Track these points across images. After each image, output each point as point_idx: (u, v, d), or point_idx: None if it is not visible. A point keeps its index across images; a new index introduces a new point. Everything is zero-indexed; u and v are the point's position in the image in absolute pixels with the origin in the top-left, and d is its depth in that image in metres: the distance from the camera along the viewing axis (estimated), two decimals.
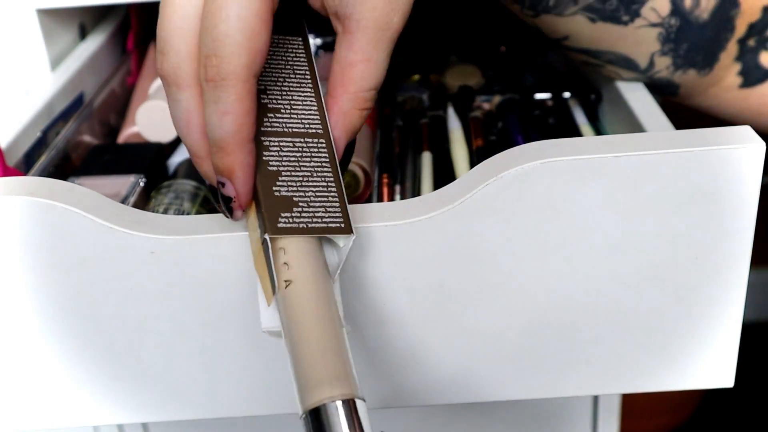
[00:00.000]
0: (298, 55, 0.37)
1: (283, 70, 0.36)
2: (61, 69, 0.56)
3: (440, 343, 0.38)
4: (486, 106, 0.56)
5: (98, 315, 0.37)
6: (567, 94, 0.55)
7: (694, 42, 0.46)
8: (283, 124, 0.35)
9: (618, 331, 0.38)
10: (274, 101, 0.36)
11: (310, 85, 0.37)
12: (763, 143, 0.34)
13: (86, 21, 0.62)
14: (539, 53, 0.61)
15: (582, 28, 0.44)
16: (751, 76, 0.49)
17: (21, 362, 0.38)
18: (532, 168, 0.34)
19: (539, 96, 0.55)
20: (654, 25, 0.44)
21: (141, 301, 0.36)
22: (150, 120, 0.54)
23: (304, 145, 0.35)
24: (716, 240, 0.36)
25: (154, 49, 0.63)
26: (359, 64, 0.35)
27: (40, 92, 0.53)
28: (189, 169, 0.50)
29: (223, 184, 0.34)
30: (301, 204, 0.33)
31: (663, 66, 0.46)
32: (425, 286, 0.36)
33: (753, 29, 0.49)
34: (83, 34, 0.62)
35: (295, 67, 0.37)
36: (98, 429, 0.56)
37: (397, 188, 0.47)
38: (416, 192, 0.47)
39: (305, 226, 0.33)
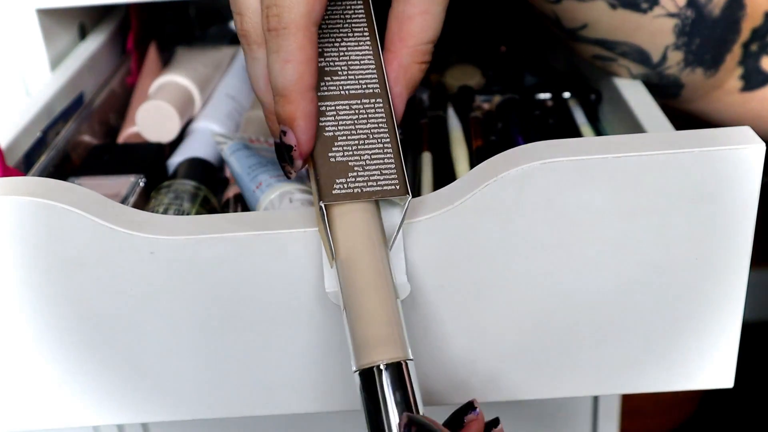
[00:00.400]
0: (356, 11, 0.37)
1: (341, 30, 0.36)
2: (61, 69, 0.56)
3: (440, 343, 0.38)
4: (486, 106, 0.56)
5: (98, 315, 0.37)
6: (567, 95, 0.55)
7: (706, 38, 0.46)
8: (340, 87, 0.35)
9: (618, 332, 0.38)
10: (332, 63, 0.36)
11: (368, 43, 0.36)
12: (763, 144, 0.34)
13: (86, 21, 0.62)
14: (539, 53, 0.61)
15: (602, 15, 0.44)
16: (752, 80, 0.50)
17: (20, 362, 0.38)
18: (532, 168, 0.34)
19: (539, 96, 0.55)
20: (671, 15, 0.44)
21: (140, 301, 0.36)
22: (150, 120, 0.54)
23: (361, 107, 0.35)
24: (716, 240, 0.36)
25: (154, 49, 0.63)
26: (417, 17, 0.35)
27: (40, 92, 0.53)
28: (189, 169, 0.50)
29: (284, 133, 0.34)
30: (356, 168, 0.34)
31: (674, 62, 0.47)
32: (425, 286, 0.36)
33: (756, 34, 0.49)
34: (83, 34, 0.62)
35: (353, 25, 0.37)
36: (98, 429, 0.56)
37: None
38: (417, 193, 0.47)
39: (360, 190, 0.33)
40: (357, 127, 0.35)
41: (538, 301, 0.37)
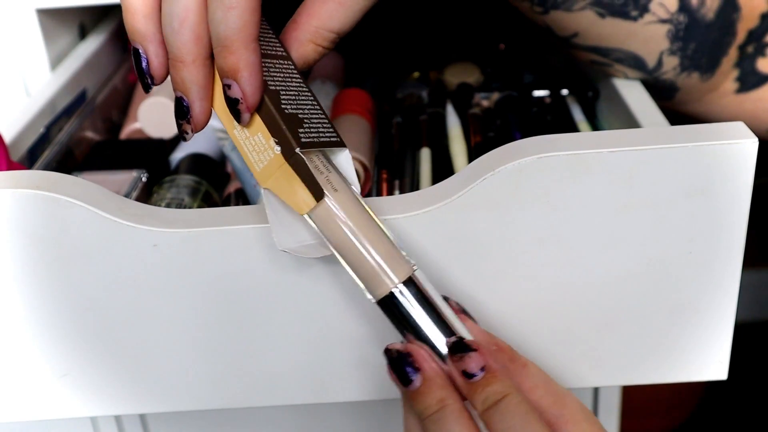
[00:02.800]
0: None
1: None
2: (62, 68, 0.57)
3: None
4: (485, 103, 0.56)
5: (99, 306, 0.37)
6: (565, 92, 0.55)
7: (701, 42, 0.46)
8: (262, 46, 0.34)
9: (613, 324, 0.39)
10: None
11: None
12: (756, 139, 0.35)
13: (86, 21, 0.62)
14: (538, 51, 0.62)
15: (591, 24, 0.44)
16: (748, 82, 0.50)
17: (20, 353, 0.39)
18: (528, 163, 0.35)
19: (537, 93, 0.55)
20: (663, 21, 0.44)
21: (143, 292, 0.37)
22: (152, 116, 0.55)
23: (283, 67, 0.35)
24: (710, 234, 0.37)
25: None
26: (331, 3, 0.35)
27: (42, 90, 0.53)
28: (190, 165, 0.50)
29: (229, 86, 0.33)
30: (305, 121, 0.34)
31: (670, 66, 0.46)
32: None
33: (752, 36, 0.49)
34: (83, 34, 0.62)
35: None
36: (96, 420, 0.57)
37: (396, 184, 0.48)
38: (415, 188, 0.47)
39: (317, 140, 0.33)
40: (288, 84, 0.35)
41: (534, 293, 0.37)
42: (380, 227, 0.34)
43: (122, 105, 0.60)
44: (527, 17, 0.46)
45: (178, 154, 0.53)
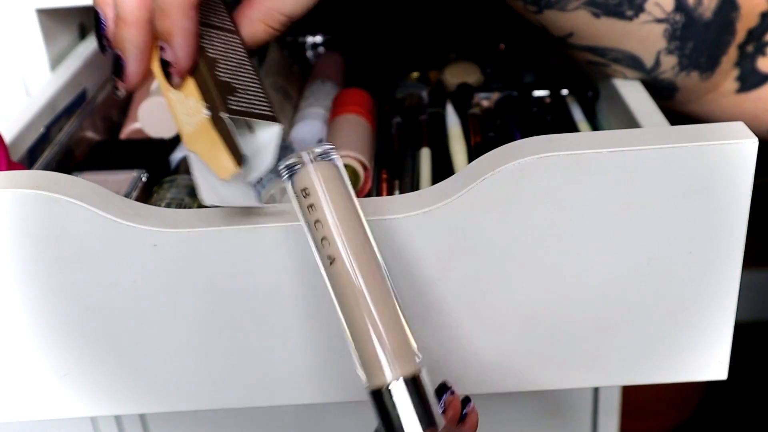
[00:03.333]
0: None
1: None
2: (62, 68, 0.57)
3: (439, 335, 0.38)
4: (485, 103, 0.56)
5: (99, 306, 0.37)
6: (565, 92, 0.55)
7: (699, 41, 0.46)
8: (208, 17, 0.36)
9: (613, 324, 0.39)
10: None
11: None
12: (756, 139, 0.35)
13: (86, 21, 0.62)
14: (538, 51, 0.62)
15: (586, 24, 0.44)
16: (748, 81, 0.49)
17: (20, 353, 0.39)
18: (528, 163, 0.35)
19: (537, 93, 0.55)
20: (659, 20, 0.44)
21: (142, 292, 0.37)
22: (152, 116, 0.55)
23: (228, 39, 0.36)
24: (710, 234, 0.37)
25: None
26: None
27: (42, 90, 0.53)
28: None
29: (163, 49, 0.34)
30: (239, 90, 0.34)
31: (669, 66, 0.46)
32: (424, 278, 0.37)
33: (752, 35, 0.49)
34: (83, 33, 0.62)
35: None
36: (96, 420, 0.57)
37: (396, 184, 0.48)
38: (415, 188, 0.47)
39: (247, 110, 0.34)
40: (229, 55, 0.35)
41: (534, 293, 0.38)
42: (397, 305, 0.31)
43: (122, 105, 0.60)
44: (523, 17, 0.46)
45: (178, 154, 0.53)
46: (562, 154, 0.35)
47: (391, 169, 0.49)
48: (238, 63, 0.35)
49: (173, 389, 0.40)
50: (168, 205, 0.46)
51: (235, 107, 0.33)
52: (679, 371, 0.40)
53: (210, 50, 0.35)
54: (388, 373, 0.30)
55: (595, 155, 0.35)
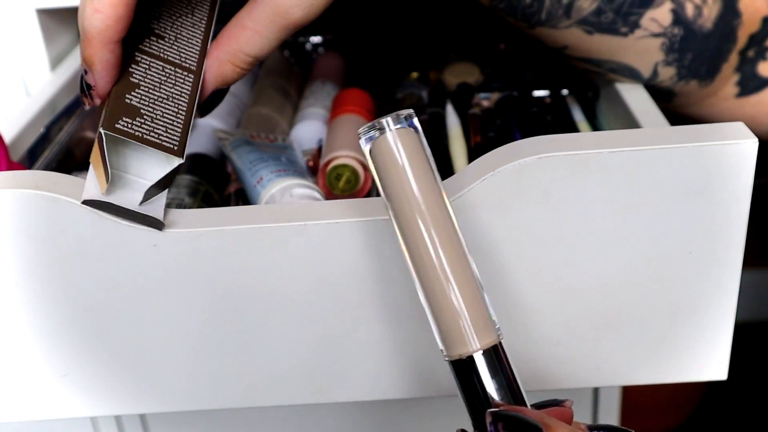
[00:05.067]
0: (203, 2, 0.41)
1: (183, 9, 0.40)
2: (62, 68, 0.57)
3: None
4: (485, 103, 0.56)
5: (100, 307, 0.37)
6: (565, 92, 0.55)
7: (699, 52, 0.45)
8: (161, 50, 0.39)
9: (613, 324, 0.39)
10: (162, 29, 0.39)
11: (203, 29, 0.41)
12: (756, 139, 0.35)
13: None
14: (538, 51, 0.62)
15: (579, 40, 0.44)
16: (748, 86, 0.49)
17: (20, 353, 0.39)
18: (528, 163, 0.35)
19: (537, 93, 0.55)
20: (656, 35, 0.44)
21: (142, 292, 0.37)
22: None
23: (173, 73, 0.38)
24: (710, 234, 0.37)
25: None
26: (249, 30, 0.38)
27: (41, 90, 0.54)
28: (190, 165, 0.50)
29: (85, 72, 0.36)
30: (146, 117, 0.36)
31: (666, 76, 0.46)
32: None
33: (753, 40, 0.48)
34: None
35: (195, 9, 0.41)
36: (96, 420, 0.57)
37: None
38: None
39: (141, 135, 0.36)
40: (162, 87, 0.38)
41: (534, 293, 0.38)
42: (475, 276, 0.31)
43: None
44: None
45: None
46: (562, 154, 0.35)
47: None
48: (168, 96, 0.38)
49: (173, 389, 0.40)
50: (168, 205, 0.46)
51: (125, 129, 0.35)
52: (679, 371, 0.40)
53: (137, 76, 0.37)
54: (470, 343, 0.30)
55: (595, 155, 0.35)
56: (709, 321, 0.39)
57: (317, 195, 0.44)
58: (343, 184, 0.46)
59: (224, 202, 0.49)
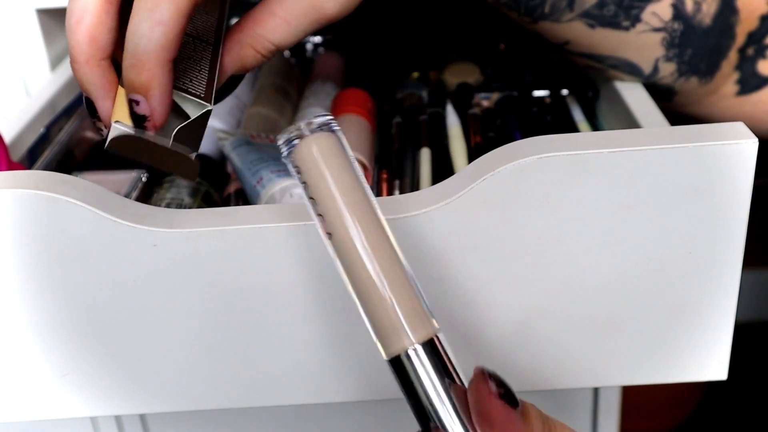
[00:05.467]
0: None
1: None
2: (62, 68, 0.57)
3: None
4: (485, 103, 0.56)
5: (100, 307, 0.37)
6: (565, 92, 0.55)
7: (699, 48, 0.45)
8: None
9: (612, 324, 0.39)
10: None
11: (218, 12, 0.39)
12: (756, 139, 0.35)
13: None
14: (538, 51, 0.62)
15: (581, 34, 0.44)
16: (748, 84, 0.49)
17: (20, 353, 0.39)
18: (528, 163, 0.35)
19: (537, 93, 0.56)
20: (657, 29, 0.44)
21: (142, 292, 0.37)
22: None
23: (191, 42, 0.37)
24: (710, 234, 0.37)
25: None
26: (279, 18, 0.36)
27: (41, 90, 0.54)
28: None
29: (137, 102, 0.33)
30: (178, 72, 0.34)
31: (667, 72, 0.46)
32: (424, 279, 0.37)
33: (752, 38, 0.49)
34: None
35: None
36: (96, 420, 0.57)
37: (396, 184, 0.48)
38: (415, 188, 0.47)
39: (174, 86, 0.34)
40: (184, 50, 0.36)
41: (534, 293, 0.38)
42: (406, 270, 0.30)
43: None
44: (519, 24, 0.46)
45: None
46: (562, 154, 0.35)
47: (391, 169, 0.49)
48: (191, 58, 0.36)
49: (173, 389, 0.40)
50: (168, 205, 0.46)
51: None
52: (679, 371, 0.40)
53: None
54: (405, 339, 0.29)
55: (595, 155, 0.35)
56: (709, 321, 0.39)
57: None
58: None
59: (224, 202, 0.49)
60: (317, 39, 0.65)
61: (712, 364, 0.40)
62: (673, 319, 0.39)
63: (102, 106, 0.34)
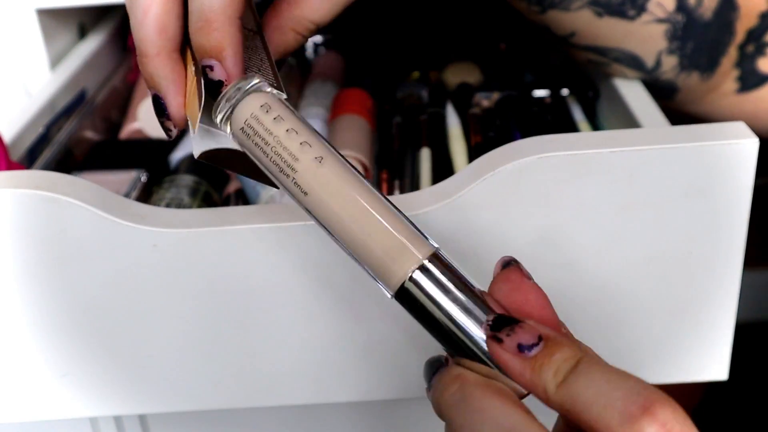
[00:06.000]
0: None
1: None
2: (62, 68, 0.57)
3: None
4: (485, 103, 0.56)
5: (100, 306, 0.37)
6: (565, 92, 0.55)
7: (700, 41, 0.46)
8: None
9: (613, 324, 0.39)
10: None
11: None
12: (756, 139, 0.35)
13: (86, 21, 0.62)
14: (538, 51, 0.62)
15: (588, 24, 0.44)
16: (748, 82, 0.50)
17: (20, 353, 0.39)
18: (528, 163, 0.35)
19: (538, 93, 0.55)
20: (661, 20, 0.44)
21: (142, 292, 0.37)
22: (152, 116, 0.54)
23: (246, 33, 0.35)
24: (710, 234, 0.37)
25: None
26: None
27: (41, 90, 0.53)
28: (190, 165, 0.50)
29: (211, 68, 0.31)
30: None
31: (669, 66, 0.46)
32: None
33: (751, 36, 0.49)
34: (83, 33, 0.62)
35: None
36: (96, 420, 0.57)
37: (396, 184, 0.48)
38: (415, 188, 0.47)
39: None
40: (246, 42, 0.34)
41: None
42: (381, 199, 0.29)
43: (122, 105, 0.61)
44: (525, 17, 0.46)
45: (178, 154, 0.53)
46: (562, 154, 0.35)
47: (391, 169, 0.49)
48: (253, 47, 0.35)
49: (173, 389, 0.40)
50: (168, 205, 0.46)
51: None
52: (679, 371, 0.40)
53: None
54: (408, 260, 0.27)
55: (595, 155, 0.35)
56: (709, 321, 0.39)
57: None
58: None
59: (224, 202, 0.49)
60: (317, 39, 0.65)
61: (712, 364, 0.40)
62: (674, 319, 0.38)
63: (173, 102, 0.32)
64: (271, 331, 0.38)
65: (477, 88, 0.57)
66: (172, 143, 0.55)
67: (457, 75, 0.59)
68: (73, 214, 0.35)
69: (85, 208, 0.35)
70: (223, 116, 0.31)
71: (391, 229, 0.28)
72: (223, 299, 0.37)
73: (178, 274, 0.36)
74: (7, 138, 0.47)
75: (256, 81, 0.31)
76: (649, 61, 0.46)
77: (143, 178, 0.49)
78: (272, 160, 0.29)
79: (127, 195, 0.47)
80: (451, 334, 0.28)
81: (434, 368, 0.28)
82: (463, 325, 0.27)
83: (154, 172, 0.50)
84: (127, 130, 0.57)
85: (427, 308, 0.28)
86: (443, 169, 0.48)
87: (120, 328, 0.38)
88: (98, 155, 0.52)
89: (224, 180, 0.51)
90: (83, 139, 0.53)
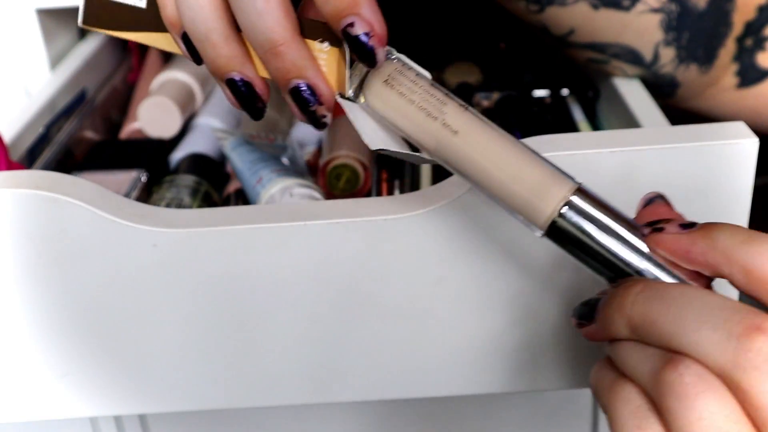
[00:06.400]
0: None
1: None
2: (62, 68, 0.57)
3: (438, 336, 0.38)
4: (485, 103, 0.56)
5: (99, 306, 0.37)
6: (565, 92, 0.55)
7: (695, 32, 0.46)
8: None
9: None
10: None
11: None
12: (756, 138, 0.35)
13: None
14: (538, 51, 0.62)
15: (585, 18, 0.45)
16: (748, 77, 0.50)
17: (20, 353, 0.39)
18: None
19: (538, 93, 0.55)
20: (655, 10, 0.44)
21: (142, 292, 0.37)
22: (152, 116, 0.55)
23: None
24: None
25: None
26: None
27: (41, 90, 0.54)
28: (190, 165, 0.50)
29: (351, 24, 0.30)
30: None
31: (668, 59, 0.47)
32: (424, 279, 0.37)
33: (750, 29, 0.49)
34: (83, 33, 0.62)
35: None
36: (96, 420, 0.57)
37: (396, 184, 0.48)
38: (415, 188, 0.47)
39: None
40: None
41: (535, 293, 0.37)
42: (519, 142, 0.30)
43: (122, 105, 0.61)
44: (524, 20, 0.46)
45: (178, 154, 0.53)
46: (562, 154, 0.35)
47: (391, 169, 0.49)
48: None
49: (173, 389, 0.40)
50: (168, 205, 0.46)
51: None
52: None
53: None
54: (556, 193, 0.29)
55: (595, 155, 0.35)
56: None
57: (317, 195, 0.44)
58: (343, 183, 0.46)
59: (224, 202, 0.49)
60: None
61: None
62: None
63: (322, 83, 0.31)
64: (270, 331, 0.38)
65: (477, 88, 0.57)
66: (172, 143, 0.55)
67: (456, 75, 0.59)
68: (73, 214, 0.35)
69: (85, 208, 0.35)
70: (390, 58, 0.31)
71: (535, 169, 0.29)
72: (223, 299, 0.37)
73: (178, 274, 0.36)
74: (7, 138, 0.47)
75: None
76: (648, 55, 0.46)
77: (143, 178, 0.49)
78: (419, 105, 0.31)
79: (127, 195, 0.47)
80: (609, 257, 0.29)
81: (591, 304, 0.30)
82: (619, 245, 0.29)
83: (154, 172, 0.50)
84: (127, 130, 0.57)
85: (581, 239, 0.29)
86: (443, 169, 0.48)
87: (120, 328, 0.38)
88: (98, 155, 0.52)
89: (224, 180, 0.51)
90: (83, 139, 0.53)
